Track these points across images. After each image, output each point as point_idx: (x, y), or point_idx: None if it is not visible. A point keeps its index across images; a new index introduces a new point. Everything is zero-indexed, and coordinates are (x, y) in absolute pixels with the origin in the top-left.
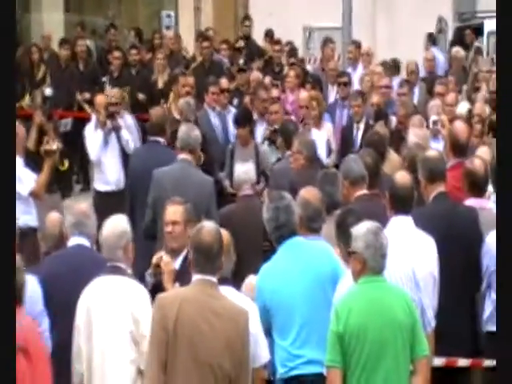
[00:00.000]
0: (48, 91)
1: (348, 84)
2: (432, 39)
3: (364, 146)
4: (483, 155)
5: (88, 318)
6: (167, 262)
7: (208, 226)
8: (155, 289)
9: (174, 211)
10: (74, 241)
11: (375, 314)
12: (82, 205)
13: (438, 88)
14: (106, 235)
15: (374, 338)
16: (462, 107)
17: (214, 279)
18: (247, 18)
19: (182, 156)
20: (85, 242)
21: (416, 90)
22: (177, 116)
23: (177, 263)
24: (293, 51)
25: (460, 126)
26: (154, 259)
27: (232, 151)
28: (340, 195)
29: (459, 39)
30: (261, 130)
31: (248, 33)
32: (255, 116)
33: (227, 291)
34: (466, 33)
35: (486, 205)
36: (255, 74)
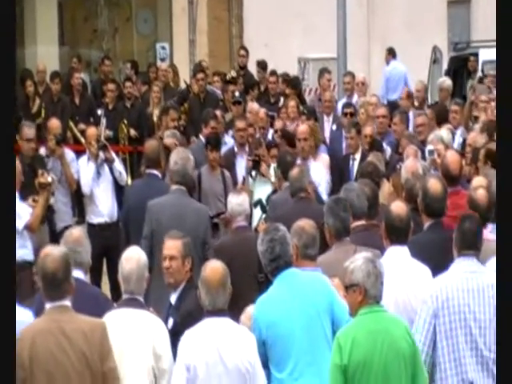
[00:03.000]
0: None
1: (354, 114)
2: (392, 53)
3: (359, 177)
4: (476, 182)
5: None
6: None
7: (53, 252)
8: None
9: (171, 246)
10: None
11: (379, 344)
12: (75, 231)
13: (419, 119)
14: (132, 268)
15: (378, 369)
16: (443, 133)
17: (65, 302)
18: (243, 48)
19: (176, 186)
20: (79, 274)
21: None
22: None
23: (173, 298)
24: (295, 82)
25: (452, 156)
26: None
27: (199, 176)
28: (351, 221)
29: (454, 68)
30: (241, 162)
31: (244, 63)
32: (235, 148)
33: (225, 322)
34: (471, 59)
35: (487, 236)
36: (252, 105)
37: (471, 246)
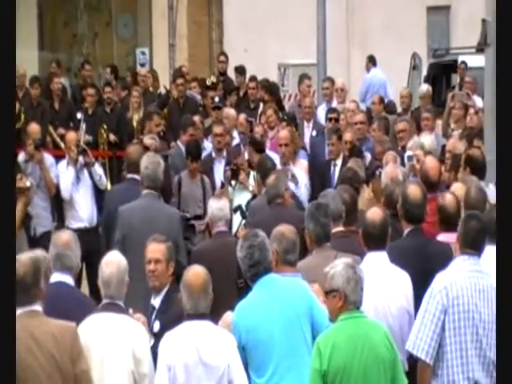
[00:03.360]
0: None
1: (337, 120)
2: (373, 60)
3: (339, 182)
4: (457, 191)
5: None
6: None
7: (22, 257)
8: None
9: (156, 249)
10: (55, 277)
11: (359, 350)
12: (64, 235)
13: (400, 125)
14: (111, 273)
15: (358, 374)
16: (426, 139)
17: (35, 307)
18: (223, 54)
19: (147, 190)
20: (67, 278)
21: None
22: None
23: (157, 302)
24: (273, 88)
25: (431, 163)
26: None
27: (179, 181)
28: (331, 227)
29: (433, 75)
30: (219, 167)
31: (224, 69)
32: (213, 154)
33: (205, 325)
34: (461, 67)
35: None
36: (229, 111)
37: (474, 245)
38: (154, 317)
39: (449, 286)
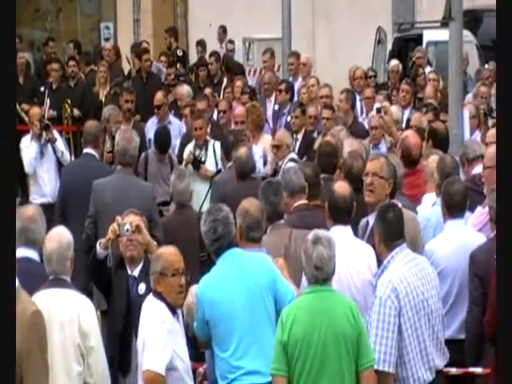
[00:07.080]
0: None
1: (284, 91)
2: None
3: (316, 157)
4: (432, 163)
5: None
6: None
7: None
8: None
9: (132, 220)
10: (20, 252)
11: (318, 325)
12: (28, 209)
13: (380, 98)
14: (53, 248)
15: (317, 348)
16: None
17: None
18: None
19: (120, 166)
20: (32, 254)
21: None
22: None
23: (136, 272)
24: (228, 66)
25: (413, 138)
26: (110, 231)
27: (146, 158)
28: (283, 205)
29: (398, 49)
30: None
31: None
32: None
33: (155, 303)
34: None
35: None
36: (183, 88)
37: (400, 235)
38: (135, 283)
39: (397, 288)
